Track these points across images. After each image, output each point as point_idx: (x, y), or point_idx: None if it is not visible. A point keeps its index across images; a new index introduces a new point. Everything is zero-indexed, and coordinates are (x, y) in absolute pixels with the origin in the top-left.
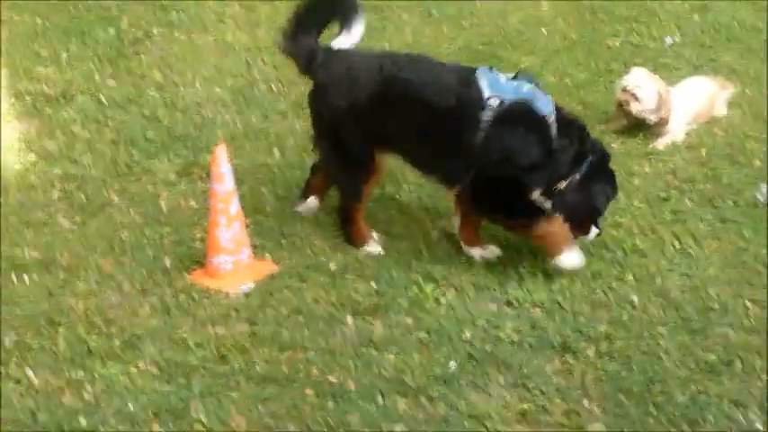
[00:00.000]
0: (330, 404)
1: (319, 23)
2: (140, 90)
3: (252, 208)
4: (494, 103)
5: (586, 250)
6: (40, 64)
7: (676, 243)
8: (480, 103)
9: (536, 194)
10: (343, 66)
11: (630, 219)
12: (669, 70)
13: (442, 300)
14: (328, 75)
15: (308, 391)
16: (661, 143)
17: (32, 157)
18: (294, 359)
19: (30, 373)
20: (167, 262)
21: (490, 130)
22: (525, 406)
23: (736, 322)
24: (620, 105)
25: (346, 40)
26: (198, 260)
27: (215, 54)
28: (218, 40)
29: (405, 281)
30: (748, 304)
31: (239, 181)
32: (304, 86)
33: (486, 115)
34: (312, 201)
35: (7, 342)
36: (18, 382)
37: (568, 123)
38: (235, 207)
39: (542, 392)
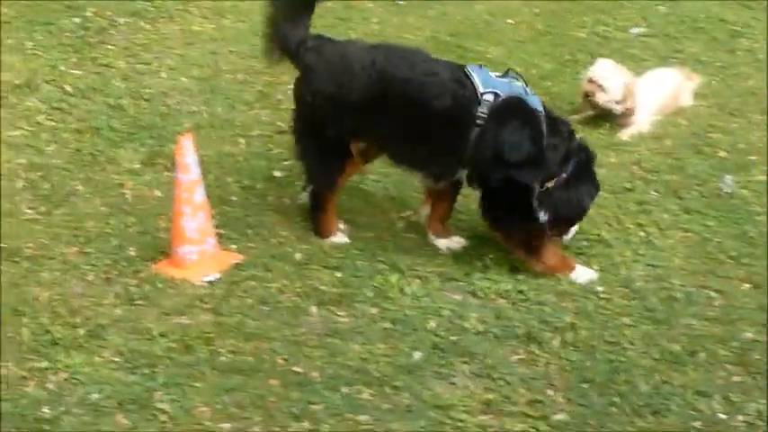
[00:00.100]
0: (295, 394)
1: (306, 8)
2: (105, 79)
3: (217, 198)
4: (489, 98)
5: None
6: (5, 53)
7: (641, 233)
8: (476, 99)
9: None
10: (336, 53)
11: (595, 209)
12: (635, 61)
13: (407, 290)
14: (318, 59)
15: (273, 381)
16: (626, 134)
17: None
18: (259, 349)
19: None
20: (132, 252)
21: (485, 126)
22: (490, 396)
23: (700, 312)
24: (587, 96)
25: None
26: (163, 250)
27: (181, 43)
28: (183, 30)
29: (370, 271)
30: (712, 294)
31: (205, 171)
32: (269, 77)
33: (482, 111)
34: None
35: None
36: None
37: (556, 122)
38: (200, 197)
39: (507, 382)
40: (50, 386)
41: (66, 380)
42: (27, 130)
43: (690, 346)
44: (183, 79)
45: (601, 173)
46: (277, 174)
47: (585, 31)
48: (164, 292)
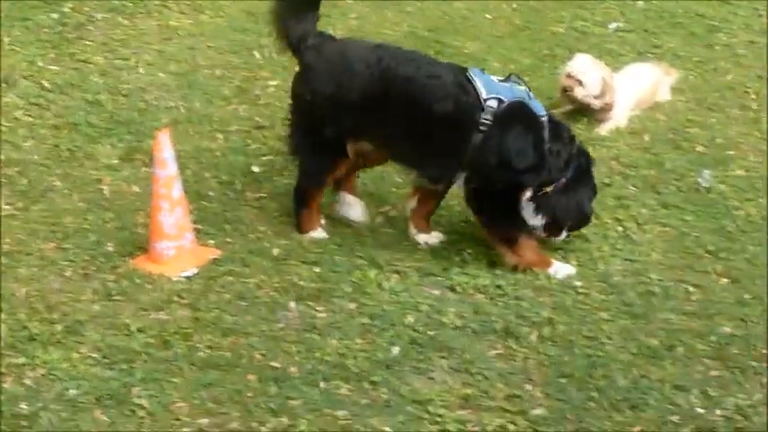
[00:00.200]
0: (272, 389)
1: (310, 4)
2: (83, 75)
3: (195, 193)
4: (492, 104)
5: None
6: None
7: (619, 228)
8: (479, 105)
9: (529, 194)
10: (336, 51)
11: None
12: (613, 56)
13: (386, 285)
14: (318, 58)
15: (251, 377)
16: (604, 129)
17: None
18: (237, 344)
19: None
20: (110, 247)
21: (489, 132)
22: (468, 391)
23: (678, 307)
24: (565, 91)
25: None
26: (141, 245)
27: (158, 39)
28: (161, 25)
29: (348, 266)
30: (690, 289)
31: (182, 166)
32: (247, 72)
33: (486, 116)
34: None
35: None
36: None
37: (558, 127)
38: (178, 192)
39: (485, 377)
40: (28, 382)
41: (43, 376)
42: (4, 125)
43: (668, 340)
44: (160, 75)
45: None
46: (255, 169)
47: (564, 26)
48: (141, 288)
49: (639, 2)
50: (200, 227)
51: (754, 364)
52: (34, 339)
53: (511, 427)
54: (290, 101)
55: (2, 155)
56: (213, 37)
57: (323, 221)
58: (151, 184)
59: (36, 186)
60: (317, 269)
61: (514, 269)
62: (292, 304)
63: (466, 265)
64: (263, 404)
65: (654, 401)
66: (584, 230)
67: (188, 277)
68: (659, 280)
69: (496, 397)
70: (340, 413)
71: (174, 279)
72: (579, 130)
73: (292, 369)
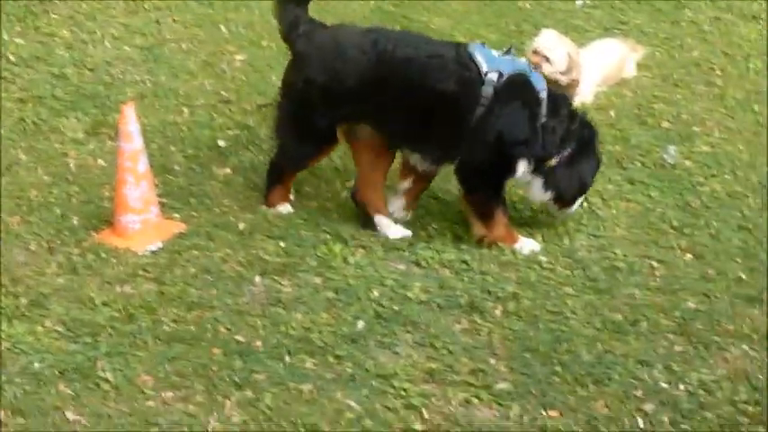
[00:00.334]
0: (237, 363)
1: None
2: (49, 48)
3: (160, 167)
4: (492, 77)
5: None
6: None
7: (584, 203)
8: (480, 79)
9: (521, 171)
10: (328, 39)
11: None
12: (580, 32)
13: (351, 259)
14: (309, 46)
15: (216, 350)
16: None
17: None
18: (202, 318)
19: None
20: (75, 221)
21: (490, 105)
22: (432, 365)
23: (642, 282)
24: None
25: None
26: (106, 219)
27: (124, 13)
28: None
29: (313, 240)
30: (654, 264)
31: (148, 140)
32: (214, 46)
33: (487, 90)
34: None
35: None
36: None
37: (558, 101)
38: (143, 166)
39: (449, 351)
40: None
41: (8, 349)
42: None
43: (632, 315)
44: (126, 48)
45: None
46: (221, 143)
47: (530, 2)
48: (106, 262)
49: None
50: (165, 201)
51: (717, 339)
52: None
53: (475, 401)
54: (281, 87)
55: None
56: (179, 11)
57: (292, 197)
58: (116, 158)
59: (1, 160)
60: (283, 243)
61: (479, 242)
62: (257, 278)
63: (431, 240)
64: (228, 378)
65: (618, 376)
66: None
67: (153, 251)
68: (624, 255)
69: (461, 371)
70: (305, 387)
71: (140, 253)
72: None
73: (257, 343)
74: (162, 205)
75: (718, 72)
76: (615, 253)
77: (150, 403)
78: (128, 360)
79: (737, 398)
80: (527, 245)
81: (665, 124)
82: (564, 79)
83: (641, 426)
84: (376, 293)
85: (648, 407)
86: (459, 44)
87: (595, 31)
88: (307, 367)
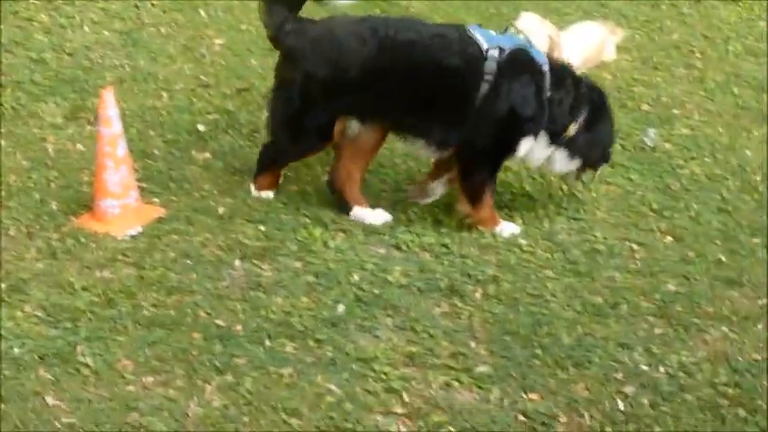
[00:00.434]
0: (217, 347)
1: None
2: (27, 33)
3: (140, 152)
4: (494, 53)
5: None
6: None
7: (564, 186)
8: (482, 56)
9: (524, 150)
10: (322, 32)
11: (520, 164)
12: (559, 15)
13: (331, 243)
14: (302, 42)
15: (196, 335)
16: None
17: None
18: (181, 303)
19: None
20: (54, 206)
21: (494, 81)
22: (413, 348)
23: (622, 265)
24: None
25: None
26: (85, 204)
27: None
28: None
29: (293, 224)
30: (634, 247)
31: (127, 124)
32: (193, 30)
33: (490, 66)
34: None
35: None
36: None
37: (561, 72)
38: (122, 150)
39: (430, 335)
40: None
41: None
42: None
43: (612, 298)
44: (105, 33)
45: None
46: (200, 127)
47: None
48: (86, 246)
49: None
50: (144, 185)
51: (697, 321)
52: None
53: (455, 384)
54: (275, 85)
55: None
56: None
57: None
58: (96, 143)
59: None
60: (263, 227)
61: (460, 222)
62: (237, 263)
63: (411, 224)
64: (208, 362)
65: (598, 359)
66: (529, 189)
67: (132, 236)
68: (604, 238)
69: (441, 355)
70: (285, 371)
71: (119, 237)
72: None
73: (237, 327)
74: (141, 190)
75: (698, 55)
76: (595, 236)
77: (130, 388)
78: (108, 345)
79: (717, 380)
80: (507, 228)
81: (645, 107)
82: None
83: (621, 408)
84: (356, 277)
85: (629, 389)
86: (458, 25)
87: (575, 14)
88: (287, 351)
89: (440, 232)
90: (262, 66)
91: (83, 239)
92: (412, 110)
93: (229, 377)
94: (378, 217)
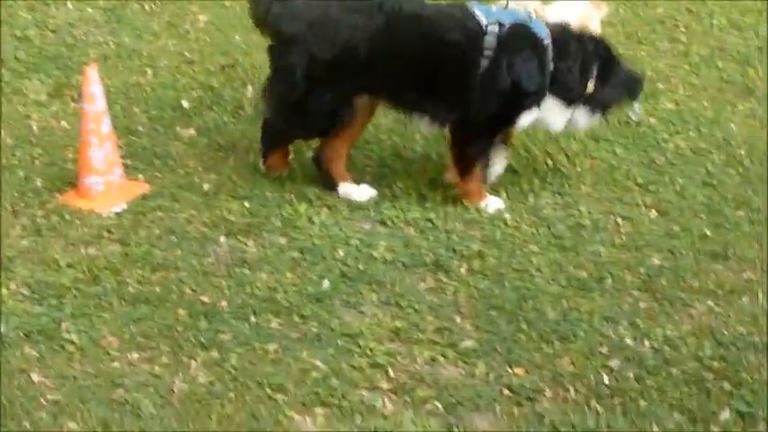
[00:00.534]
0: (203, 323)
1: None
2: (11, 10)
3: (124, 128)
4: (494, 29)
5: None
6: None
7: (549, 161)
8: (482, 31)
9: (525, 121)
10: (319, 13)
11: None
12: None
13: (316, 219)
14: (300, 24)
15: (181, 311)
16: None
17: None
18: (166, 279)
19: None
20: (39, 183)
21: (494, 57)
22: (398, 324)
23: (607, 239)
24: None
25: None
26: (70, 181)
27: None
28: None
29: (278, 200)
30: (619, 221)
31: (111, 101)
32: (177, 7)
33: (489, 41)
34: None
35: None
36: None
37: (563, 40)
38: (106, 127)
39: (415, 310)
40: None
41: None
42: None
43: (597, 272)
44: (89, 10)
45: None
46: (185, 104)
47: None
48: (71, 224)
49: None
50: (129, 162)
51: (682, 295)
52: None
53: (441, 359)
54: (274, 74)
55: None
56: None
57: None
58: (80, 120)
59: None
60: (247, 204)
61: (445, 197)
62: (222, 239)
63: (396, 199)
64: (194, 338)
65: (583, 333)
66: (514, 164)
67: (117, 212)
68: (589, 212)
69: (426, 330)
70: (270, 347)
71: (104, 214)
72: None
73: (222, 303)
74: (126, 166)
75: (683, 29)
76: (580, 210)
77: (115, 364)
78: (93, 321)
79: (702, 353)
80: (492, 203)
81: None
82: None
83: (606, 382)
84: (341, 253)
85: (614, 363)
86: (458, 2)
87: None
88: (272, 327)
89: (425, 207)
90: (246, 42)
91: (67, 216)
92: (416, 86)
93: (215, 353)
94: (363, 193)
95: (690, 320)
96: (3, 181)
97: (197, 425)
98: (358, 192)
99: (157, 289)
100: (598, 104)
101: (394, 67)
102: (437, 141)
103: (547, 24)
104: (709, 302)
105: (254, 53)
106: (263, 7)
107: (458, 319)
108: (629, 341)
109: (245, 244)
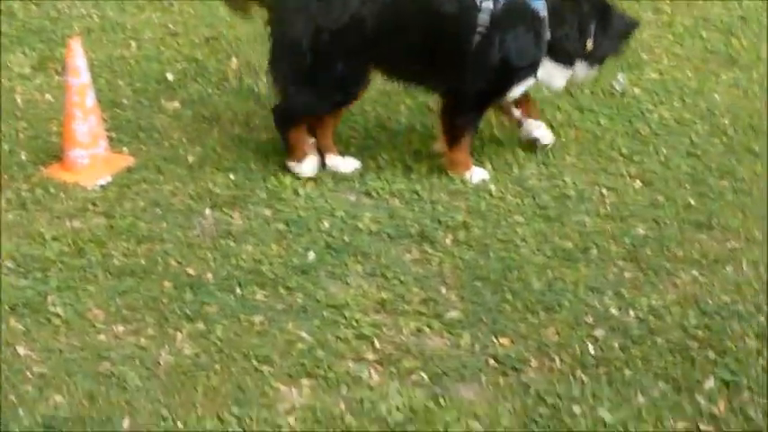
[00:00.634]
0: (188, 295)
1: None
2: None
3: (109, 101)
4: (488, 5)
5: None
6: None
7: None
8: (476, 6)
9: (517, 92)
10: None
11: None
12: None
13: (301, 191)
14: None
15: (166, 284)
16: None
17: None
18: (152, 252)
19: None
20: (23, 156)
21: (488, 33)
22: (383, 295)
23: (592, 209)
24: None
25: None
26: (55, 154)
27: None
28: None
29: (263, 172)
30: (604, 191)
31: (96, 74)
32: None
33: (483, 18)
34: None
35: None
36: None
37: (560, 9)
38: (91, 100)
39: (400, 281)
40: None
41: None
42: None
43: (582, 242)
44: None
45: None
46: (169, 76)
47: None
48: (55, 197)
49: None
50: (113, 135)
51: (667, 265)
52: None
53: (426, 329)
54: (273, 46)
55: None
56: None
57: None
58: (64, 93)
59: None
60: (233, 176)
61: (430, 168)
62: (207, 211)
63: (381, 171)
64: (179, 310)
65: (568, 303)
66: (498, 135)
67: (102, 185)
68: (573, 183)
69: (412, 301)
70: (256, 318)
71: (89, 187)
72: None
73: (208, 275)
74: (110, 139)
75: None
76: (565, 181)
77: (101, 337)
78: (78, 294)
79: (687, 323)
80: (477, 174)
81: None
82: None
83: (592, 352)
84: (326, 225)
85: (599, 333)
86: None
87: None
88: (257, 299)
89: (410, 179)
90: (230, 14)
91: (52, 190)
92: (414, 58)
93: (200, 325)
94: (347, 164)
95: (674, 290)
96: None
97: (183, 397)
98: (342, 163)
99: (143, 261)
100: (597, 58)
101: (395, 37)
102: (422, 113)
103: None
104: (694, 272)
105: (238, 25)
106: None
107: (443, 290)
108: (614, 311)
109: (231, 216)
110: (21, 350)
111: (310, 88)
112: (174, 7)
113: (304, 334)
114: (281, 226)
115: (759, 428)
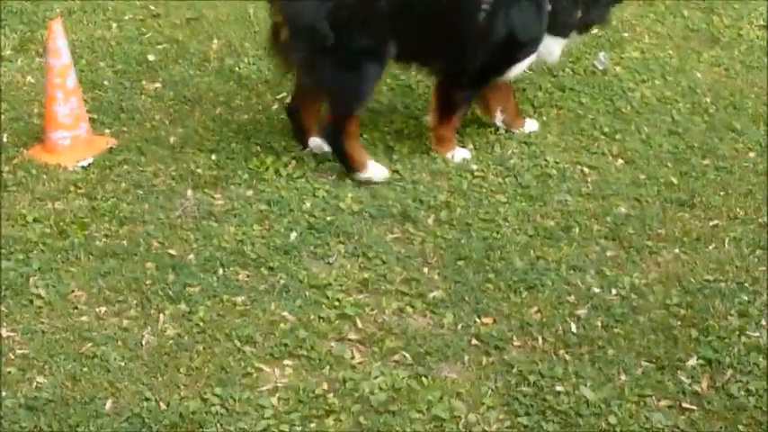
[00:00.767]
0: (170, 276)
1: None
2: None
3: (90, 82)
4: None
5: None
6: None
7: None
8: None
9: (517, 71)
10: None
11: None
12: None
13: (283, 171)
14: None
15: (149, 264)
16: None
17: None
18: (134, 233)
19: None
20: (5, 138)
21: (492, 10)
22: (366, 275)
23: (573, 188)
24: None
25: None
26: (36, 136)
27: None
28: None
29: (245, 153)
30: (586, 170)
31: (77, 56)
32: None
33: None
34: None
35: None
36: None
37: None
38: (72, 81)
39: (382, 261)
40: None
41: None
42: None
43: (564, 221)
44: None
45: None
46: (150, 57)
47: None
48: (37, 178)
49: None
50: (95, 116)
51: (649, 243)
52: None
53: (409, 309)
54: (296, 34)
55: None
56: None
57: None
58: (45, 74)
59: None
60: (214, 156)
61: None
62: (189, 192)
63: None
64: (162, 291)
65: (550, 282)
66: (480, 114)
67: (84, 167)
68: (555, 162)
69: (394, 281)
70: (238, 299)
71: (70, 169)
72: None
73: (190, 256)
74: (92, 121)
75: None
76: (547, 160)
77: (84, 318)
78: (60, 276)
79: (669, 301)
80: (459, 153)
81: (595, 30)
82: None
83: (574, 330)
84: (308, 205)
85: (581, 312)
86: None
87: None
88: (240, 279)
89: (391, 159)
90: None
91: (34, 171)
92: (420, 37)
93: (183, 306)
94: (378, 172)
95: (657, 268)
96: None
97: (166, 377)
98: (327, 146)
99: (125, 243)
100: (584, 27)
101: (405, 17)
102: (403, 93)
103: None
104: (676, 250)
105: (219, 6)
106: None
107: (425, 270)
108: (596, 290)
109: (213, 197)
110: (3, 332)
111: (352, 75)
112: None
113: (286, 314)
114: (263, 206)
115: (741, 406)
